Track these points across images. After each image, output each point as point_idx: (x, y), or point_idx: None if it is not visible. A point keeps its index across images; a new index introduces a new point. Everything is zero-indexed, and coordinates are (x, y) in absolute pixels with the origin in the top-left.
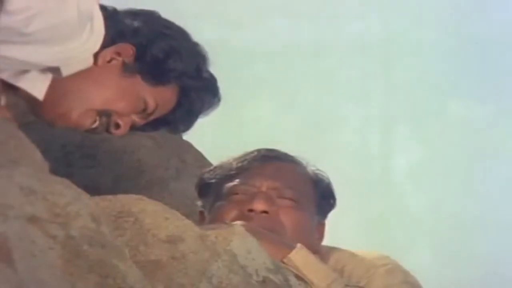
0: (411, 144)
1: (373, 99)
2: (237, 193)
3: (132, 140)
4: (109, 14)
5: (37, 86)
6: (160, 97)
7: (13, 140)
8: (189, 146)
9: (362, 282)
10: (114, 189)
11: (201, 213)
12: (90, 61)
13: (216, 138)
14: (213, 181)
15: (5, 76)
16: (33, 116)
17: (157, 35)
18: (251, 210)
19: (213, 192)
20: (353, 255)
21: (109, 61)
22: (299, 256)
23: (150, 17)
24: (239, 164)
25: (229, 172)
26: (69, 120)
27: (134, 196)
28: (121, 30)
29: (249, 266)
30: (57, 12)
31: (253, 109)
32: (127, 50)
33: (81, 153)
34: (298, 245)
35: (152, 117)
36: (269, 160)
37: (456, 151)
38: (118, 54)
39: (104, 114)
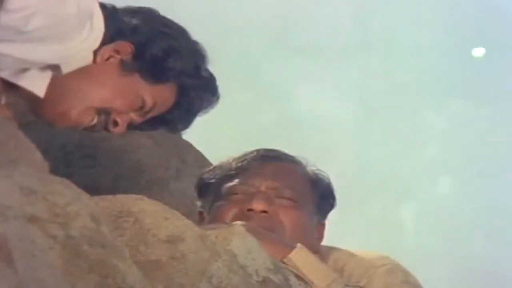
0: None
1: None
2: (236, 193)
3: (132, 140)
4: (108, 12)
5: (37, 84)
6: (158, 96)
7: (13, 140)
8: (189, 146)
9: (362, 282)
10: (114, 189)
11: (200, 213)
12: (89, 59)
13: (216, 138)
14: (212, 181)
15: (5, 75)
16: (33, 115)
17: (156, 34)
18: (250, 210)
19: (212, 192)
20: (352, 255)
21: (108, 59)
22: (299, 256)
23: (149, 15)
24: (239, 164)
25: (228, 172)
26: (68, 118)
27: (134, 196)
28: (120, 28)
29: (249, 266)
30: (56, 10)
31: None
32: (126, 48)
33: (80, 153)
34: (298, 245)
35: (150, 115)
36: (268, 160)
37: (456, 151)
38: (117, 52)
39: (103, 112)
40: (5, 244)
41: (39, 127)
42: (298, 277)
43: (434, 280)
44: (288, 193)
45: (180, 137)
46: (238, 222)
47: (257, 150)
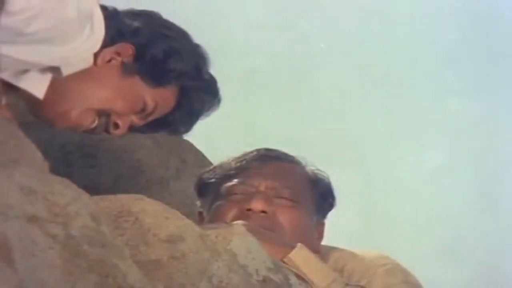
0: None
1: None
2: (236, 193)
3: (132, 140)
4: (109, 14)
5: (37, 86)
6: (159, 98)
7: (13, 140)
8: (189, 145)
9: (362, 282)
10: (114, 189)
11: (200, 213)
12: (90, 61)
13: (216, 138)
14: (212, 181)
15: (5, 76)
16: (33, 116)
17: (157, 36)
18: (249, 210)
19: (212, 192)
20: (353, 254)
21: (109, 61)
22: (299, 256)
23: (150, 18)
24: (238, 164)
25: (228, 172)
26: (68, 120)
27: (134, 196)
28: (121, 30)
29: (249, 266)
30: (57, 12)
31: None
32: (127, 50)
33: (81, 153)
34: (298, 244)
35: (151, 118)
36: (268, 160)
37: (456, 151)
38: (118, 54)
39: (103, 114)
40: (5, 243)
41: (39, 127)
42: (298, 276)
43: (434, 279)
44: (287, 193)
45: (180, 137)
46: (239, 222)
47: (257, 150)
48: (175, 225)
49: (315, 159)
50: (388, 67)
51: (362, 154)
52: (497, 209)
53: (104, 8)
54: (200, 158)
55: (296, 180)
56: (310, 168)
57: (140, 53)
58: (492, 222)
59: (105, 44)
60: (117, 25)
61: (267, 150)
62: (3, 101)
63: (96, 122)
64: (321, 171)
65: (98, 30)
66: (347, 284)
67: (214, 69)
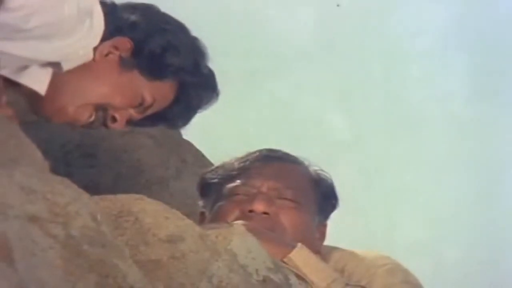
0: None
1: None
2: (238, 194)
3: (132, 139)
4: (108, 9)
5: (38, 81)
6: (157, 92)
7: (13, 139)
8: (189, 145)
9: (362, 282)
10: (114, 189)
11: (202, 214)
12: (90, 56)
13: (216, 138)
14: (214, 181)
15: (6, 73)
16: (33, 113)
17: (155, 30)
18: (251, 211)
19: (214, 192)
20: (353, 254)
21: (106, 55)
22: (300, 256)
23: (148, 11)
24: (241, 165)
25: (230, 173)
26: (65, 115)
27: (134, 196)
28: (119, 24)
29: (249, 266)
30: (56, 8)
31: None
32: (125, 44)
33: (81, 153)
34: (299, 244)
35: (149, 112)
36: (270, 161)
37: (456, 151)
38: (116, 48)
39: (101, 108)
40: (6, 243)
41: (40, 126)
42: (299, 276)
43: (434, 280)
44: (289, 194)
45: (180, 136)
46: (239, 222)
47: (260, 151)
48: (175, 225)
49: (315, 159)
50: (389, 68)
51: (362, 154)
52: (497, 209)
53: (103, 3)
54: (200, 158)
55: (299, 181)
56: (312, 168)
57: (138, 47)
58: (492, 222)
59: (104, 38)
60: (115, 19)
61: (269, 150)
62: (4, 99)
63: (94, 116)
64: (323, 171)
65: (98, 25)
66: (347, 284)
67: (215, 69)
